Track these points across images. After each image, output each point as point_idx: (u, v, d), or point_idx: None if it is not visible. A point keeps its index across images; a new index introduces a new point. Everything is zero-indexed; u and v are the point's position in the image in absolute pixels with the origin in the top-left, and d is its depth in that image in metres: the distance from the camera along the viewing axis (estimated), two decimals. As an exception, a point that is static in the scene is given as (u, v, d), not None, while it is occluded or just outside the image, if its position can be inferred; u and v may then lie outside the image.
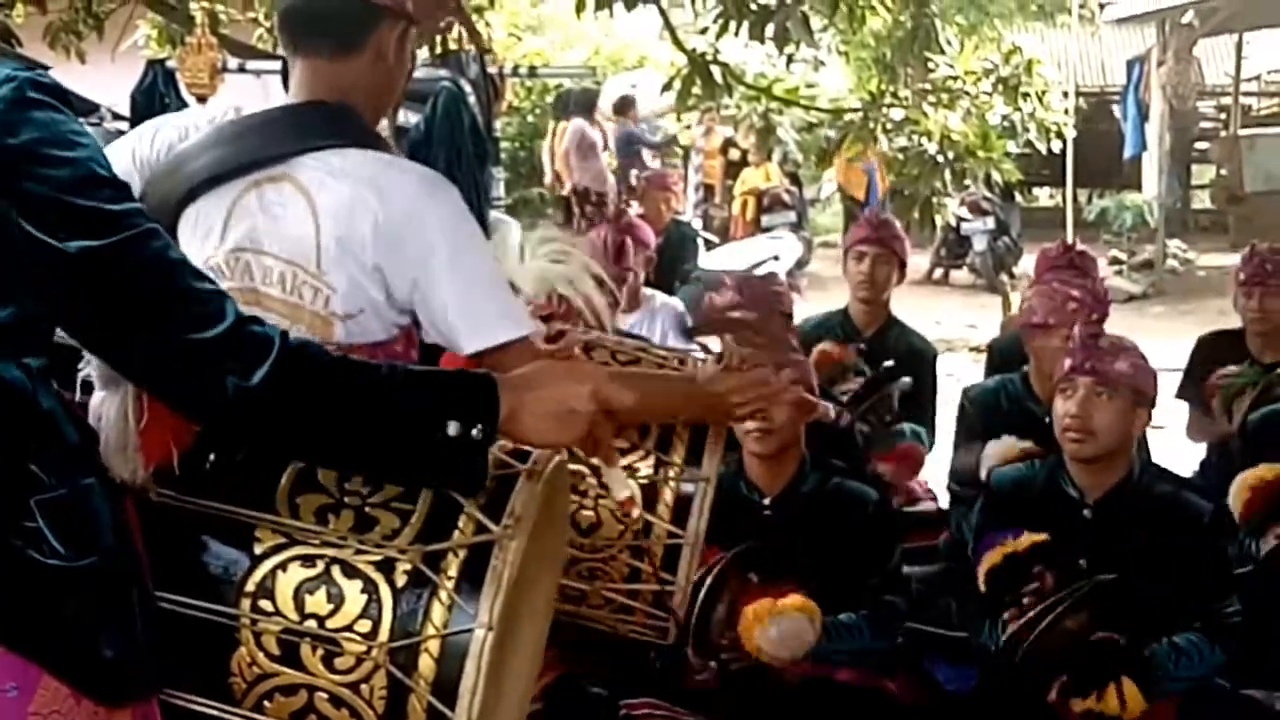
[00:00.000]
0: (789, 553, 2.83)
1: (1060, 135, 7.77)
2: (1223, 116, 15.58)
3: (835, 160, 10.94)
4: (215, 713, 1.43)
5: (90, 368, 1.42)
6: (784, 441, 2.87)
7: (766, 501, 2.93)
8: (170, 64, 4.96)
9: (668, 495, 1.87)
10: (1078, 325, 3.01)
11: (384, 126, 2.24)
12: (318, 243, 1.73)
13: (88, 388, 1.43)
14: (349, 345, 1.75)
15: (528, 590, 1.50)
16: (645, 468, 1.88)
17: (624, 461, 1.87)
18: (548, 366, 1.50)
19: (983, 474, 3.19)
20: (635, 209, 9.29)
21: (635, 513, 1.59)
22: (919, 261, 12.55)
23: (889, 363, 3.77)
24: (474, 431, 1.36)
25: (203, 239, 1.81)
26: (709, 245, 9.96)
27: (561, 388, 1.42)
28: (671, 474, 1.87)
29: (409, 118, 4.54)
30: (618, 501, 1.53)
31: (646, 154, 12.58)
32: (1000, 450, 3.23)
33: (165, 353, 1.30)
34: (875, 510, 2.94)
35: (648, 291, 4.37)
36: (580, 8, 5.16)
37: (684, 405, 1.87)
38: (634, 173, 12.04)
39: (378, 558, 1.42)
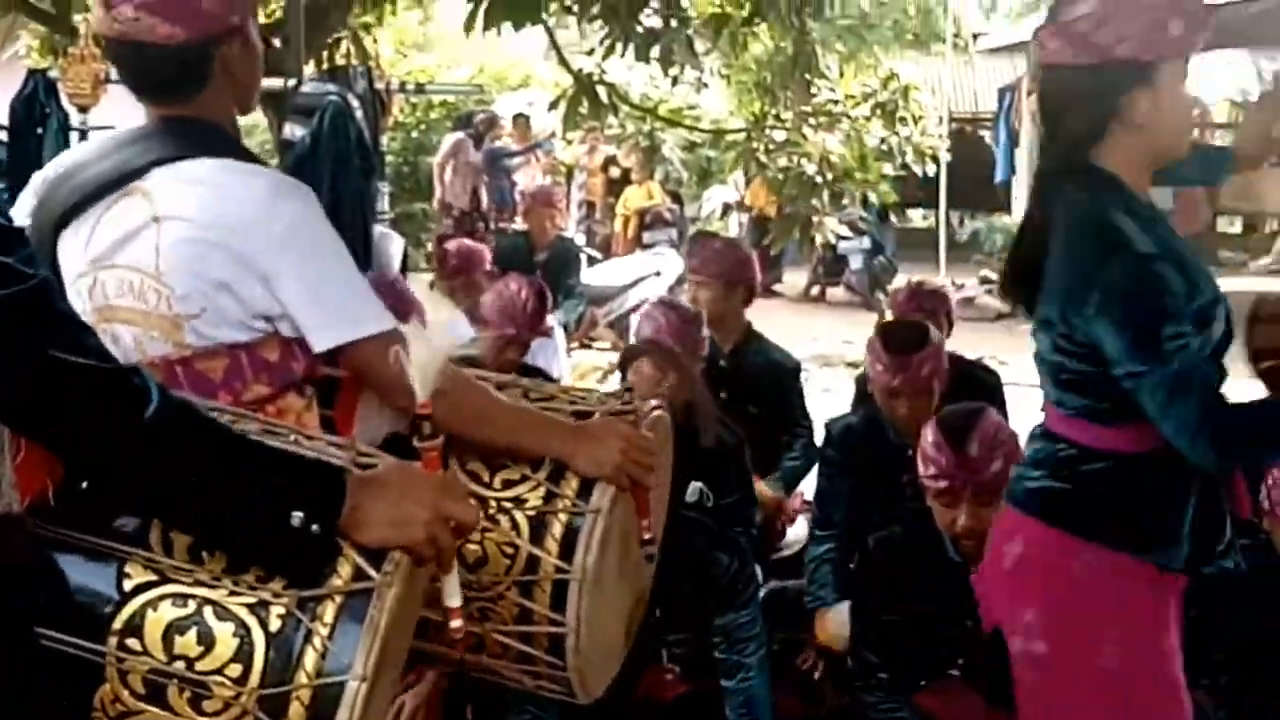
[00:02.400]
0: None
1: (935, 159, 7.95)
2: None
3: (747, 180, 11.01)
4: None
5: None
6: None
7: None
8: (52, 74, 4.81)
9: (556, 529, 1.79)
10: (929, 429, 2.80)
11: (269, 139, 2.14)
12: (156, 245, 1.74)
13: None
14: (201, 348, 1.74)
15: (400, 628, 1.48)
16: (535, 498, 1.81)
17: (513, 492, 1.83)
18: (400, 473, 1.47)
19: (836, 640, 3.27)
20: (519, 224, 9.30)
21: (456, 623, 1.53)
22: (797, 279, 12.78)
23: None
24: (314, 526, 1.35)
25: (72, 262, 1.83)
26: (591, 261, 10.01)
27: (406, 496, 1.41)
28: (561, 505, 1.82)
29: (295, 131, 4.45)
30: (445, 607, 1.50)
31: (517, 173, 12.59)
32: (840, 620, 3.26)
33: (51, 396, 1.26)
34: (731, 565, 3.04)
35: None
36: (469, 26, 5.14)
37: (561, 447, 1.82)
38: (505, 188, 12.08)
39: (252, 600, 1.38)
